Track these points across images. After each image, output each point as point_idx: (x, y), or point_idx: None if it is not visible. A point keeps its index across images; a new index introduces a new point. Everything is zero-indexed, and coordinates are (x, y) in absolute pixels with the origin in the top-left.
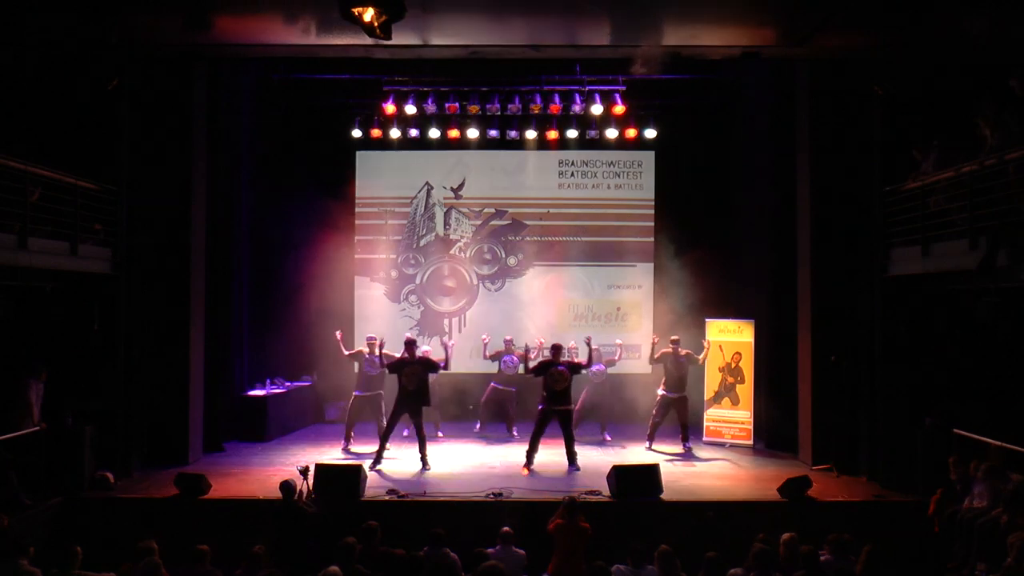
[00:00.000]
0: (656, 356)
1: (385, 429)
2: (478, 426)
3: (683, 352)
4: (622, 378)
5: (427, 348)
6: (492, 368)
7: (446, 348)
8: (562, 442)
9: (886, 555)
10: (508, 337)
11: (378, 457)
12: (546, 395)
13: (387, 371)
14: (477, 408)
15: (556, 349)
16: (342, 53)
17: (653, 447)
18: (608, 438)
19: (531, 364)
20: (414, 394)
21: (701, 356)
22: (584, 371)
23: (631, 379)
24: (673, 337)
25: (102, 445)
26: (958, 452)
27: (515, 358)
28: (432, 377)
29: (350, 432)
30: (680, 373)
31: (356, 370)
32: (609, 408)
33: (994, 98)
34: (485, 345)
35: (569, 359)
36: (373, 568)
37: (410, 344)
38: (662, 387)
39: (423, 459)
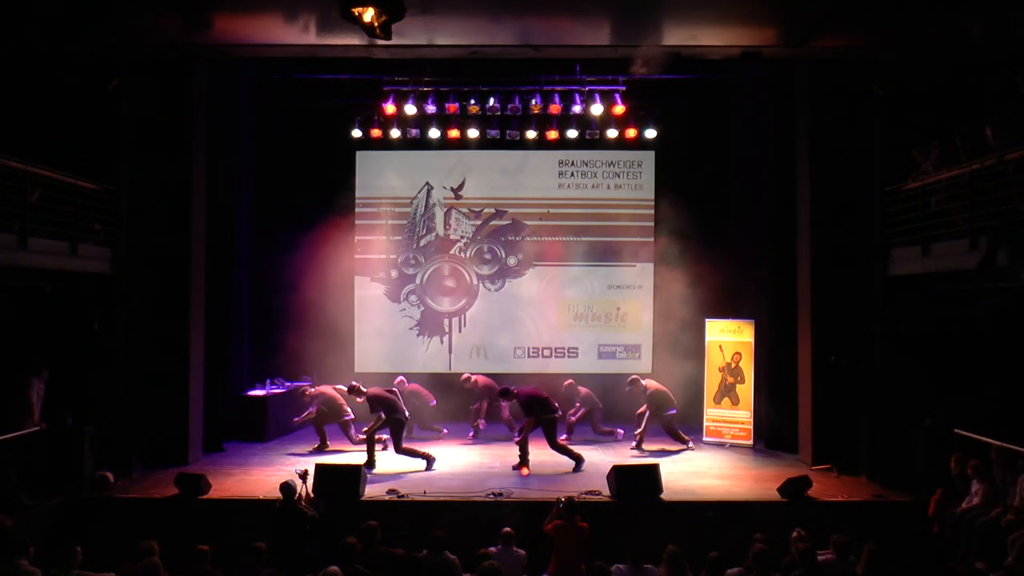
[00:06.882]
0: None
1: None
2: (472, 433)
3: (640, 389)
4: (622, 378)
5: (400, 377)
6: (492, 368)
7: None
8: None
9: (886, 555)
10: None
11: (370, 460)
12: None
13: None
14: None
15: (504, 392)
16: (342, 53)
17: (663, 448)
18: (621, 432)
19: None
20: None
21: (640, 409)
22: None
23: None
24: (632, 377)
25: (102, 445)
26: (959, 451)
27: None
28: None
29: (322, 433)
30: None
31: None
32: (609, 408)
33: (996, 97)
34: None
35: (518, 393)
36: (373, 568)
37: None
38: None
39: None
